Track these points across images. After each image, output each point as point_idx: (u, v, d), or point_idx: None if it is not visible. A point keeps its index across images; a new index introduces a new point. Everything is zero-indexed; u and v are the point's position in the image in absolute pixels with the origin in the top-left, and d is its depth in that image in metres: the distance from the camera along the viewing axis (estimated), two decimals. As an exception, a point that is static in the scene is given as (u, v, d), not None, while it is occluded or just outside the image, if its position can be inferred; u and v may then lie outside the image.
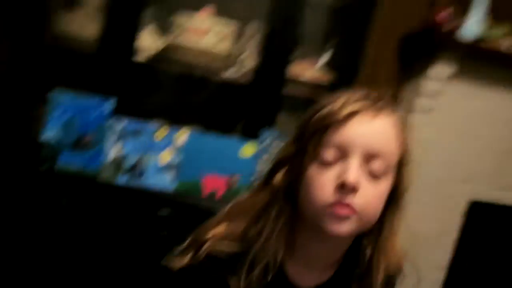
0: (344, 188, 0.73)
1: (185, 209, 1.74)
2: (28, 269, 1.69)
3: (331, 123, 0.75)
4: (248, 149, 1.85)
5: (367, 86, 2.35)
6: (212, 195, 1.82)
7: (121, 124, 1.75)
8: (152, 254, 1.73)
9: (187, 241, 0.88)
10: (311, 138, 0.76)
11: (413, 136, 0.81)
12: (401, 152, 0.79)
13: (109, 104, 1.75)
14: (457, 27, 2.29)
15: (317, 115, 0.77)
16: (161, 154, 1.78)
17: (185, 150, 1.80)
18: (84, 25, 1.86)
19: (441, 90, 2.34)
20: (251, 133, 1.89)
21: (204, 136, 1.84)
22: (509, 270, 2.76)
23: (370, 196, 0.75)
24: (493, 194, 2.51)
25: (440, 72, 2.31)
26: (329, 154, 0.75)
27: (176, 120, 1.86)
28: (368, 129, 0.75)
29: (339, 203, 0.73)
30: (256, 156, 1.86)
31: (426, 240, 2.46)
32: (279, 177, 0.81)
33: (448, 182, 2.42)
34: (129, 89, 1.83)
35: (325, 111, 0.77)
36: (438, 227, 2.45)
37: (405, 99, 2.40)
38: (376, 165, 0.74)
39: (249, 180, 1.86)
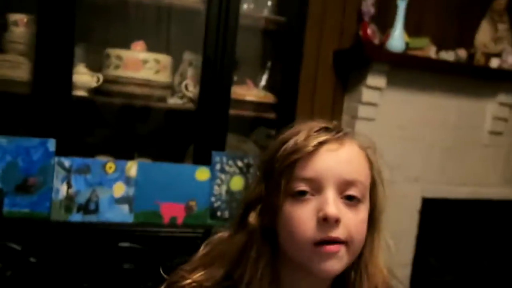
0: (327, 221, 0.72)
1: (147, 239, 1.72)
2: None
3: (300, 157, 0.74)
4: (201, 174, 1.87)
5: (309, 101, 2.48)
6: (173, 221, 1.82)
7: (67, 162, 1.73)
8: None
9: (165, 283, 0.83)
10: (281, 174, 0.75)
11: (381, 155, 0.82)
12: (372, 175, 0.80)
13: (51, 144, 1.72)
14: (384, 40, 2.51)
15: (282, 150, 0.76)
16: (113, 187, 1.77)
17: (138, 180, 1.79)
18: (14, 67, 1.85)
19: (379, 98, 2.52)
20: (202, 158, 1.92)
21: (155, 165, 1.85)
22: (466, 257, 2.97)
23: (353, 223, 0.75)
24: (441, 190, 2.71)
25: (375, 81, 2.48)
26: (302, 188, 0.74)
27: (123, 152, 1.86)
28: (338, 159, 0.75)
29: (326, 238, 0.73)
30: (211, 179, 1.88)
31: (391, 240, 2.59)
32: (253, 218, 0.79)
33: (402, 183, 2.58)
34: (70, 127, 1.81)
35: (290, 145, 0.76)
36: (399, 227, 2.59)
37: (347, 108, 2.55)
38: (352, 193, 0.75)
39: (207, 204, 1.88)
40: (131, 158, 1.86)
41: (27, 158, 1.69)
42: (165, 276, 0.84)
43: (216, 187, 1.89)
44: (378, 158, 0.82)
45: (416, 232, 2.70)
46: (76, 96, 1.85)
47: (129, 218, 1.79)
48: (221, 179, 1.90)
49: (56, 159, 1.72)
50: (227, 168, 1.91)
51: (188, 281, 0.79)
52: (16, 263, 1.64)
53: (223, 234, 0.86)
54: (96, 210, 1.75)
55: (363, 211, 0.77)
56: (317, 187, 0.74)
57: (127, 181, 1.79)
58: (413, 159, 2.65)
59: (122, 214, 1.78)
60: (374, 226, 0.81)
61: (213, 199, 1.89)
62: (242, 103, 2.10)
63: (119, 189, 1.78)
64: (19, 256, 1.63)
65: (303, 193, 0.74)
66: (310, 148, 0.74)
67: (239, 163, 1.93)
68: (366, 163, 0.79)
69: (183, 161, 2.04)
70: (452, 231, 2.87)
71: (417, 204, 2.66)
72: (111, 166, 1.78)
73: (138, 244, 1.71)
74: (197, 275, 0.80)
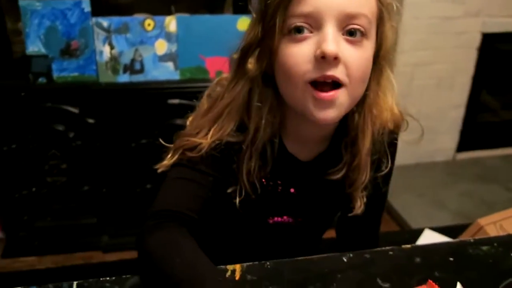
0: (325, 59, 0.71)
1: (195, 95, 1.89)
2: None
3: None
4: (243, 24, 1.91)
5: None
6: (219, 75, 1.97)
7: (105, 22, 1.85)
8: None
9: (171, 149, 0.87)
10: (277, 12, 0.74)
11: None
12: (379, 8, 0.77)
13: (86, 4, 1.81)
14: None
15: None
16: (155, 45, 1.88)
17: (179, 36, 1.89)
18: None
19: None
20: (242, 7, 1.97)
21: (194, 18, 1.92)
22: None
23: (355, 61, 0.74)
24: (504, 23, 2.70)
25: None
26: (299, 24, 0.73)
27: (160, 8, 1.96)
28: None
29: (322, 78, 0.72)
30: (254, 29, 1.98)
31: (444, 80, 2.68)
32: (251, 64, 0.80)
33: (460, 19, 2.57)
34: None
35: None
36: (455, 65, 2.67)
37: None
38: (355, 26, 0.73)
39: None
40: (168, 14, 1.95)
41: (64, 21, 1.81)
42: (164, 143, 0.87)
43: (259, 37, 1.99)
44: None
45: (473, 71, 2.72)
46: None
47: (175, 75, 1.93)
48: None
49: (94, 19, 1.83)
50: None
51: (203, 143, 0.83)
52: (76, 125, 1.87)
53: (222, 82, 0.91)
54: (141, 70, 1.90)
55: (367, 48, 0.76)
56: (315, 23, 0.73)
57: (168, 37, 1.89)
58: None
59: (167, 72, 1.91)
60: (380, 66, 0.81)
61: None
62: None
63: (161, 47, 1.91)
64: (78, 118, 1.86)
65: (300, 30, 0.73)
66: None
67: (282, 9, 2.00)
68: None
69: (222, 12, 2.13)
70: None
71: (476, 41, 2.68)
72: (149, 23, 1.89)
73: (187, 100, 1.88)
74: (210, 134, 0.83)
